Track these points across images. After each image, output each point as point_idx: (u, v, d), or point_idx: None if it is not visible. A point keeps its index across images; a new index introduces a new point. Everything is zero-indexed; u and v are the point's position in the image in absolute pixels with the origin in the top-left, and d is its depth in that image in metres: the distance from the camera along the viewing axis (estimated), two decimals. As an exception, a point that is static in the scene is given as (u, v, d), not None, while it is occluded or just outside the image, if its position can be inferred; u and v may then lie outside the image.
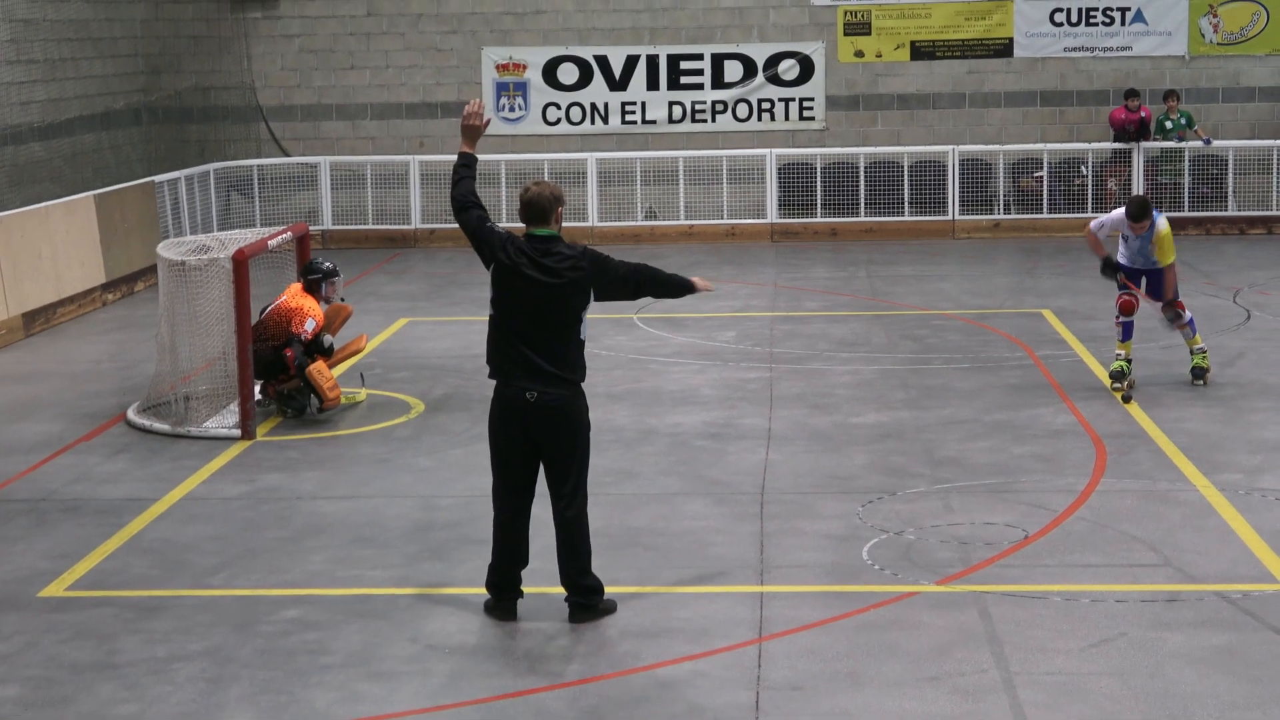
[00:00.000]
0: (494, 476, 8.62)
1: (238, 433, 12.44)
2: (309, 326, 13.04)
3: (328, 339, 13.28)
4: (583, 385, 8.37)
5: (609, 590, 8.79)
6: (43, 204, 18.40)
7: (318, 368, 12.90)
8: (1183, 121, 23.26)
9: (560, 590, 8.93)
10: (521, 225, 8.42)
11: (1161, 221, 13.53)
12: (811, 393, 13.67)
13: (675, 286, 8.65)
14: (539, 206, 8.28)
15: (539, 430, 8.30)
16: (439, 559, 9.60)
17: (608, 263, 8.35)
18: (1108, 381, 13.56)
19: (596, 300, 8.24)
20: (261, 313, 13.27)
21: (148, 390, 13.55)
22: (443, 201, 23.87)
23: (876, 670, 7.74)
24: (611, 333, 16.49)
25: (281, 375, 13.11)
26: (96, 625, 8.55)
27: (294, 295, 13.26)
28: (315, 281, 13.40)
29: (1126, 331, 13.66)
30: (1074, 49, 24.31)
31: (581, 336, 8.32)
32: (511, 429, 8.37)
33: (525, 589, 8.93)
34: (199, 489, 11.16)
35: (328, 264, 13.55)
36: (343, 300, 13.86)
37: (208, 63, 24.61)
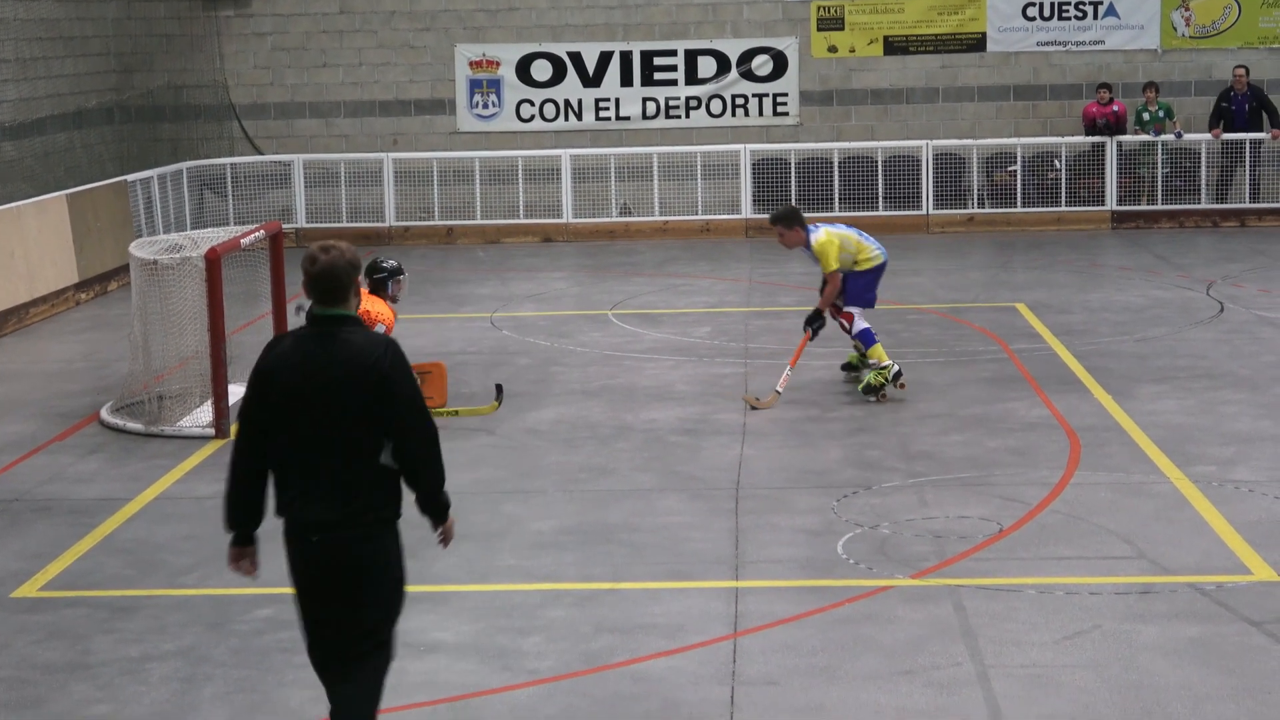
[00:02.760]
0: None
1: (211, 432, 12.41)
2: (379, 330, 12.69)
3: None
4: (396, 524, 6.41)
5: (586, 586, 8.78)
6: (14, 204, 18.31)
7: None
8: (1160, 114, 23.31)
9: (535, 587, 8.93)
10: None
11: (818, 234, 13.16)
12: (786, 387, 13.67)
13: (433, 493, 6.45)
14: (332, 278, 6.16)
15: (323, 583, 6.32)
16: (412, 556, 9.46)
17: (409, 384, 6.22)
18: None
19: (382, 417, 6.21)
20: None
21: (121, 390, 13.50)
22: (417, 199, 23.86)
23: (851, 664, 7.74)
24: (586, 329, 16.49)
25: None
26: (70, 625, 8.52)
27: (367, 302, 12.94)
28: (381, 281, 12.84)
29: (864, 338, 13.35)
30: (1047, 43, 24.36)
31: (385, 460, 6.22)
32: (299, 578, 6.39)
33: (497, 586, 8.94)
34: (173, 488, 11.13)
35: (392, 261, 13.06)
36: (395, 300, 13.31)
37: (180, 61, 24.53)
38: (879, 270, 13.52)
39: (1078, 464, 11.11)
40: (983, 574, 8.94)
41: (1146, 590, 8.66)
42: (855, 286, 13.38)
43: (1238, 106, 23.16)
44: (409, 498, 6.38)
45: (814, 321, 13.33)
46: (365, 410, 6.12)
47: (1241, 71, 23.21)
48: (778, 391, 13.02)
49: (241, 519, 6.39)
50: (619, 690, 7.53)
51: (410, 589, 8.92)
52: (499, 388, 12.92)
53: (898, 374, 13.21)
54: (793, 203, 21.91)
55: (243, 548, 6.46)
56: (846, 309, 13.37)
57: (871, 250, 13.44)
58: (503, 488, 10.98)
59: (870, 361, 13.27)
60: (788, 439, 12.03)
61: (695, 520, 10.09)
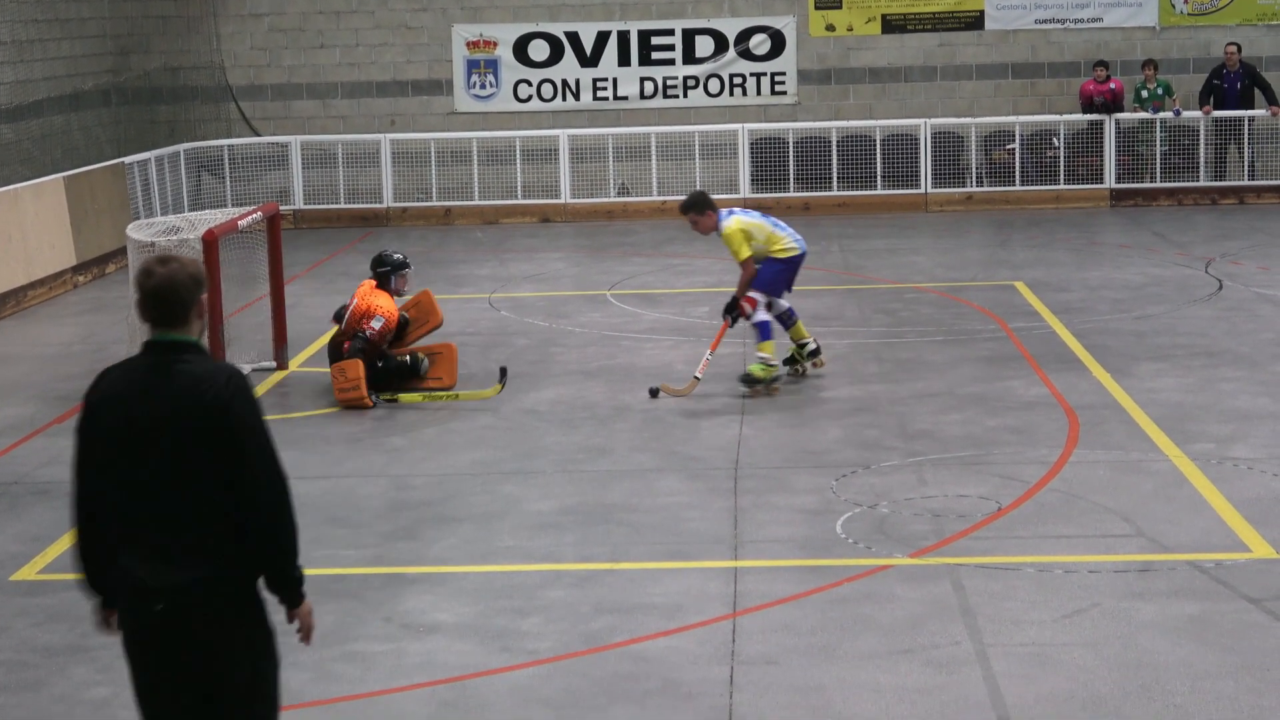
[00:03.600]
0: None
1: (210, 414, 12.38)
2: (376, 325, 12.82)
3: (425, 364, 13.09)
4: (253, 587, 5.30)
5: (586, 566, 8.79)
6: (12, 186, 18.30)
7: (340, 367, 12.67)
8: (1159, 91, 23.29)
9: (534, 567, 8.95)
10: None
11: (727, 222, 12.95)
12: (784, 367, 13.66)
13: (278, 565, 5.28)
14: (171, 297, 5.16)
15: (165, 677, 5.25)
16: (412, 538, 9.59)
17: (254, 423, 5.17)
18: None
19: (222, 460, 5.16)
20: (342, 319, 13.13)
21: (119, 372, 13.48)
22: (414, 180, 23.84)
23: (850, 644, 7.75)
24: (584, 309, 16.49)
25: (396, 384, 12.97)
26: (69, 608, 8.52)
27: (365, 294, 13.01)
28: (385, 274, 13.11)
29: (783, 322, 13.25)
30: (1045, 21, 24.32)
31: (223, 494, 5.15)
32: (136, 667, 5.34)
33: (496, 567, 8.96)
34: (172, 471, 11.11)
35: (397, 255, 13.29)
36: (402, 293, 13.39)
37: (176, 43, 24.49)
38: (795, 262, 13.13)
39: (1076, 442, 11.11)
40: (981, 553, 8.95)
41: (1145, 568, 8.67)
42: (766, 273, 13.02)
43: (1229, 84, 23.13)
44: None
45: (731, 310, 13.06)
46: (208, 453, 5.09)
47: (1233, 49, 23.18)
48: (696, 378, 12.88)
49: (100, 581, 5.35)
50: (618, 670, 7.54)
51: (408, 570, 9.04)
52: (503, 371, 12.92)
53: (777, 378, 12.89)
54: (699, 187, 21.27)
55: (112, 609, 5.40)
56: (750, 294, 12.99)
57: (787, 240, 13.05)
58: (502, 468, 10.98)
59: (760, 355, 12.90)
60: (786, 419, 12.03)
61: (694, 500, 10.10)
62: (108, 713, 7.28)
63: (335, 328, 13.29)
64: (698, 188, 15.39)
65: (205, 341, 5.28)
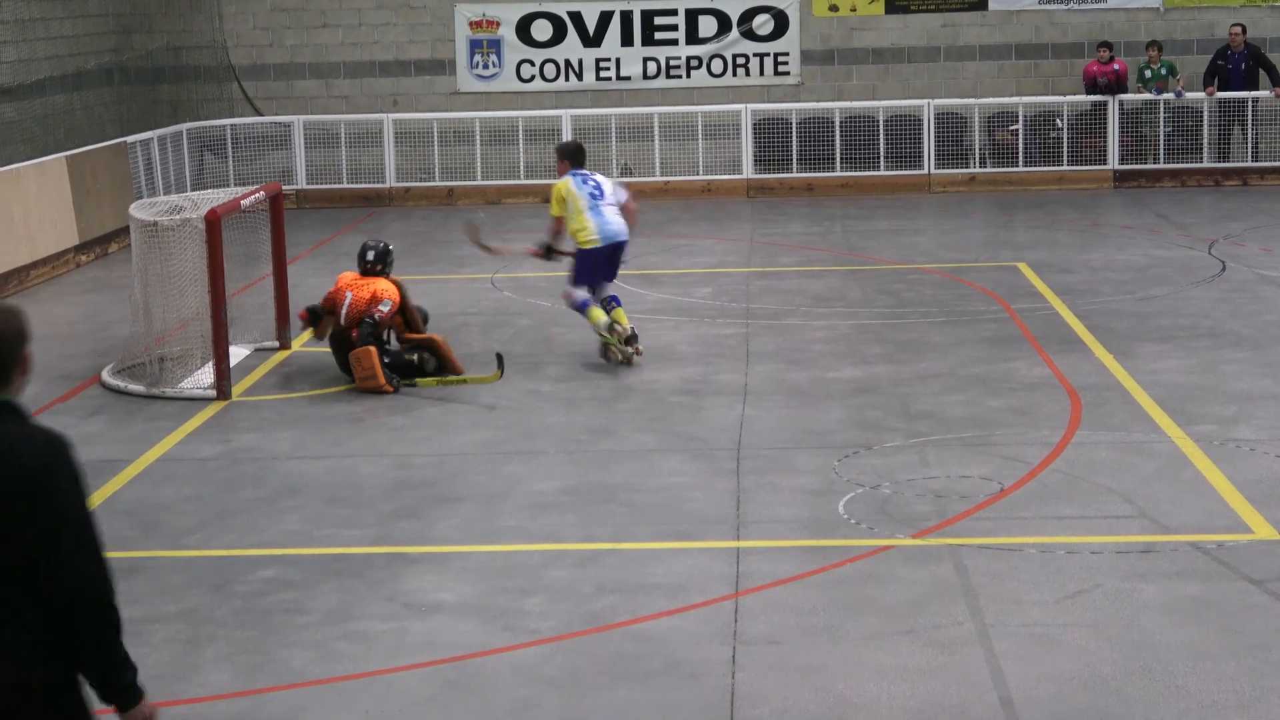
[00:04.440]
0: None
1: (213, 393, 12.41)
2: (384, 308, 12.77)
3: (431, 364, 12.97)
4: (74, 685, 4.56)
5: (588, 546, 8.79)
6: (14, 165, 18.29)
7: (356, 356, 12.59)
8: (1163, 72, 23.23)
9: (537, 547, 8.95)
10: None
11: (562, 179, 13.45)
12: (788, 348, 13.67)
13: (96, 665, 4.51)
14: None
15: None
16: (414, 518, 9.60)
17: (71, 500, 4.42)
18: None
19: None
20: (317, 316, 13.15)
21: (122, 352, 13.50)
22: (417, 160, 23.81)
23: (852, 624, 7.76)
24: (587, 290, 16.46)
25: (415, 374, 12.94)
26: (72, 587, 8.52)
27: (360, 283, 12.94)
28: (383, 271, 13.13)
29: (605, 308, 13.42)
30: (1049, 1, 24.26)
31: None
32: None
33: (498, 547, 8.97)
34: (175, 450, 11.14)
35: (378, 244, 13.25)
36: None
37: (179, 22, 24.45)
38: (598, 254, 13.27)
39: (1079, 423, 11.11)
40: (984, 533, 8.95)
41: (1147, 549, 8.67)
42: (579, 265, 13.43)
43: (1234, 65, 23.08)
44: None
45: (549, 253, 13.75)
46: (20, 530, 4.36)
47: (1238, 30, 23.13)
48: (511, 249, 13.13)
49: None
50: (621, 650, 7.54)
51: (410, 549, 9.06)
52: (499, 357, 12.87)
53: (614, 327, 13.25)
54: (574, 142, 21.00)
55: None
56: (570, 290, 13.49)
57: (590, 231, 13.22)
58: (504, 448, 10.99)
59: (592, 326, 13.31)
60: (789, 399, 12.03)
61: (696, 481, 10.10)
62: (111, 691, 7.28)
63: (309, 327, 13.28)
64: (575, 140, 15.60)
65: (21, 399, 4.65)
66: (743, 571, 8.48)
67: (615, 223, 13.34)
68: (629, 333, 13.31)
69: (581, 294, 13.34)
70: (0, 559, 4.36)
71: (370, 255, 13.16)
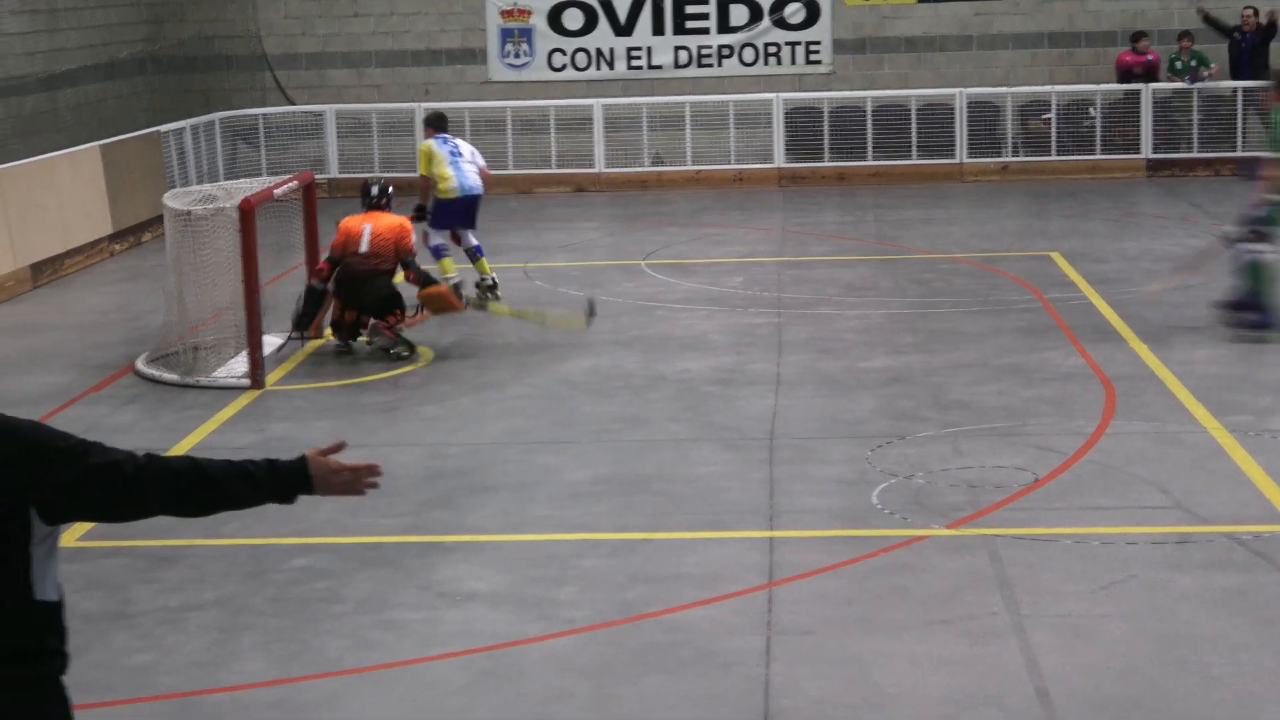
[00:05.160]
0: None
1: (247, 382, 12.45)
2: (413, 239, 13.50)
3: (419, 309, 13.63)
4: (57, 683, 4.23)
5: (621, 536, 8.80)
6: (48, 155, 18.37)
7: (428, 294, 13.30)
8: (1193, 63, 23.11)
9: (570, 537, 8.96)
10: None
11: (426, 141, 15.52)
12: (820, 338, 13.66)
13: (248, 487, 4.21)
14: None
15: None
16: (448, 507, 9.61)
17: (66, 453, 4.00)
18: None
19: (52, 519, 4.02)
20: (345, 247, 13.29)
21: (156, 341, 13.55)
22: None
23: (886, 614, 7.75)
24: (618, 279, 16.48)
25: (396, 311, 13.17)
26: (109, 575, 8.57)
27: (379, 217, 13.43)
28: (387, 205, 13.72)
29: (470, 257, 15.51)
30: (1082, -11, 24.15)
31: (39, 596, 4.06)
32: None
33: (531, 536, 8.98)
34: (209, 439, 11.18)
35: (380, 179, 14.10)
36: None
37: (211, 11, 24.52)
38: (458, 203, 15.22)
39: (1113, 413, 11.07)
40: (1018, 524, 8.93)
41: (1183, 540, 8.64)
42: (437, 213, 15.34)
43: (1246, 46, 22.95)
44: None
45: (420, 212, 15.38)
46: None
47: (1249, 12, 23.01)
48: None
49: None
50: (654, 639, 7.55)
51: (444, 539, 9.07)
52: (591, 304, 13.38)
53: (458, 284, 14.51)
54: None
55: None
56: (430, 233, 15.33)
57: (450, 181, 15.15)
58: (536, 438, 11.00)
59: (444, 276, 14.70)
60: (821, 389, 12.01)
61: (729, 470, 10.09)
62: (147, 679, 7.32)
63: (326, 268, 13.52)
64: (438, 111, 16.90)
65: None
66: (776, 561, 8.48)
67: (472, 178, 15.37)
68: (490, 280, 15.34)
69: (438, 239, 15.33)
70: None
71: (374, 190, 13.76)
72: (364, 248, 13.10)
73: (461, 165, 15.32)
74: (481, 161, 15.71)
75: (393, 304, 13.20)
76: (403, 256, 13.21)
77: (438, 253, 15.29)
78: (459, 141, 15.71)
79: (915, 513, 9.17)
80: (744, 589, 8.11)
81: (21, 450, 3.96)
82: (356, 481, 4.26)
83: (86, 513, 4.06)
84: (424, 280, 13.30)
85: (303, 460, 4.21)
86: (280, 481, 4.21)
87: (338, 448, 4.26)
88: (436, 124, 15.80)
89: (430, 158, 15.35)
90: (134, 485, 4.05)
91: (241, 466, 4.17)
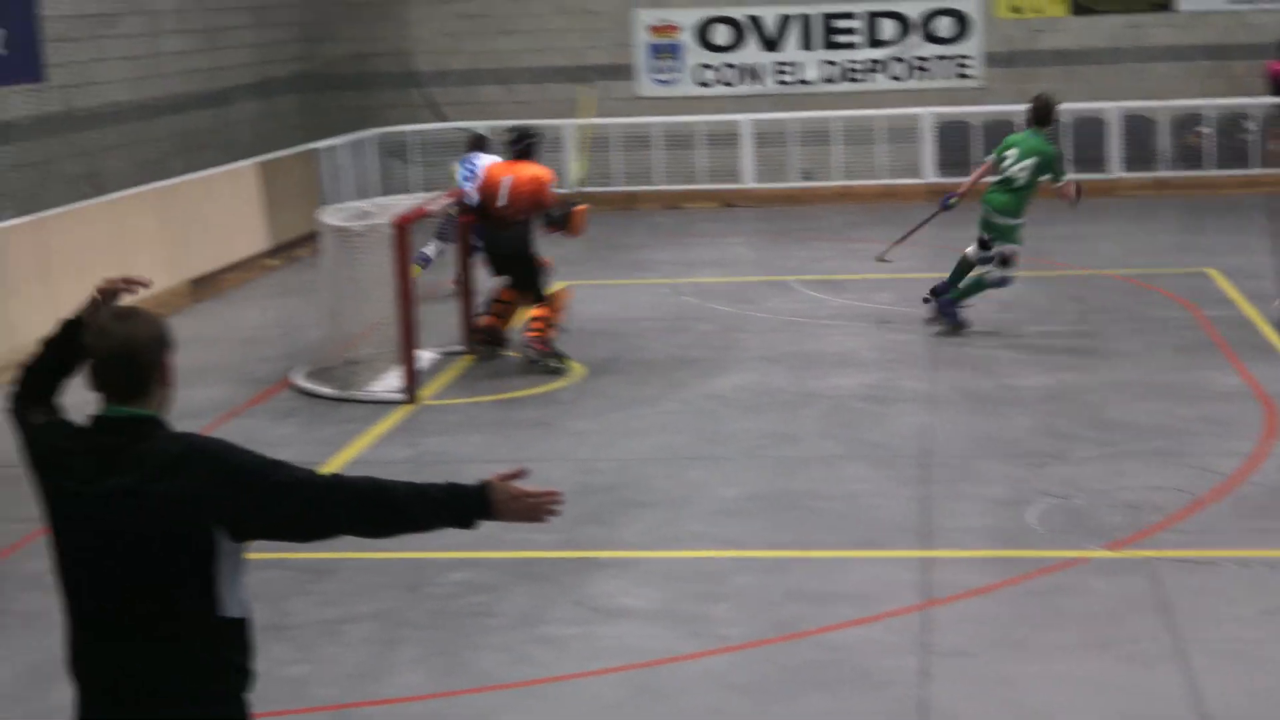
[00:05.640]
0: None
1: (401, 396, 12.59)
2: (552, 190, 13.64)
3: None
4: None
5: (774, 554, 8.78)
6: (207, 171, 18.72)
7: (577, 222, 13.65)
8: (1351, 74, 22.64)
9: (723, 554, 8.96)
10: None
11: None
12: (972, 355, 13.54)
13: (428, 511, 4.22)
14: (126, 360, 4.09)
15: None
16: (600, 522, 9.65)
17: (254, 472, 4.10)
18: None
19: (240, 537, 4.10)
20: (493, 196, 13.56)
21: (312, 355, 13.75)
22: (597, 164, 23.93)
23: (1044, 637, 7.65)
24: (768, 295, 16.45)
25: (540, 319, 13.41)
26: (268, 587, 8.69)
27: (520, 166, 13.66)
28: (529, 148, 13.83)
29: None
30: (1240, 1, 23.73)
31: (224, 612, 4.11)
32: None
33: (684, 553, 8.98)
34: (365, 453, 11.32)
35: (521, 125, 14.32)
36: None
37: (365, 29, 24.84)
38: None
39: (1274, 433, 10.85)
40: (1179, 546, 8.78)
41: (1350, 564, 8.44)
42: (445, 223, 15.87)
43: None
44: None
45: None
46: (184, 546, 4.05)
47: None
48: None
49: None
50: (810, 658, 7.52)
51: (597, 554, 9.10)
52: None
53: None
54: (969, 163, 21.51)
55: None
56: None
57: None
58: (687, 453, 11.01)
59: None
60: (974, 407, 11.90)
61: (882, 488, 10.04)
62: (305, 690, 7.42)
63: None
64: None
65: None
66: (931, 581, 8.41)
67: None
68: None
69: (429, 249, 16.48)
70: (164, 573, 4.01)
71: (514, 136, 13.95)
72: (501, 200, 13.33)
73: (470, 186, 15.29)
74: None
75: (521, 267, 13.35)
76: (542, 210, 13.43)
77: (422, 260, 16.14)
78: (484, 159, 15.78)
79: (1072, 533, 9.05)
80: (899, 608, 8.06)
81: (210, 468, 4.05)
82: (537, 508, 4.28)
83: (272, 531, 4.14)
84: (563, 221, 13.53)
85: (484, 485, 4.24)
86: (461, 506, 4.23)
87: (519, 474, 4.30)
88: (474, 145, 16.79)
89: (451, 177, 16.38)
90: (318, 505, 4.15)
91: (423, 490, 4.21)
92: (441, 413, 12.36)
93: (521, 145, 13.86)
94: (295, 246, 20.03)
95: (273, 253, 19.50)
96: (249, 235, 19.02)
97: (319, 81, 24.03)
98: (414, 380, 12.62)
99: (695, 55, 24.59)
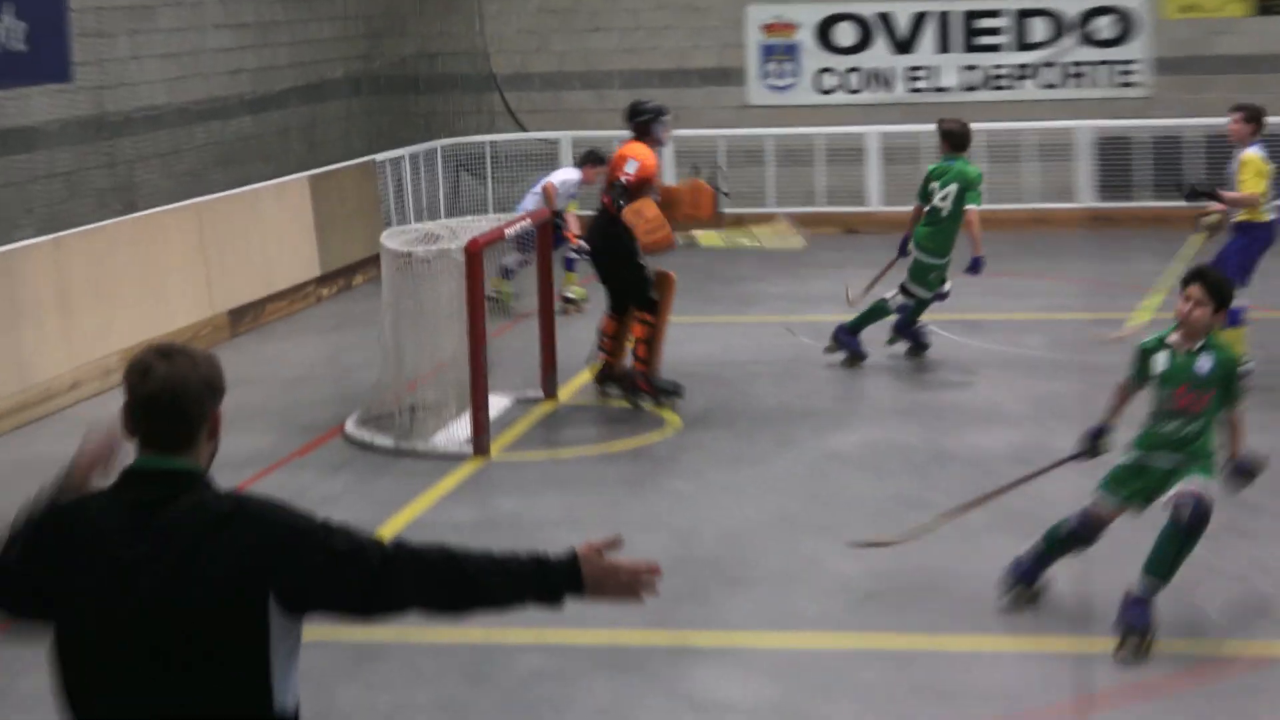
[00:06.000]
0: None
1: (470, 449, 12.54)
2: (630, 169, 13.65)
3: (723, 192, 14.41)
4: None
5: (902, 643, 8.62)
6: (252, 186, 18.82)
7: (635, 208, 13.46)
8: None
9: (842, 643, 8.80)
10: None
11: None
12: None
13: (508, 585, 4.16)
14: (169, 405, 4.09)
15: None
16: (699, 601, 9.54)
17: (311, 536, 4.06)
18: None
19: (295, 611, 4.03)
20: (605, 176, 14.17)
21: (368, 399, 13.73)
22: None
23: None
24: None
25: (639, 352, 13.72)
26: (313, 670, 8.51)
27: (635, 147, 13.94)
28: (645, 124, 13.97)
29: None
30: None
31: (279, 708, 4.05)
32: None
33: (797, 640, 8.84)
34: (427, 514, 11.28)
35: (653, 101, 14.35)
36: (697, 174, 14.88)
37: (435, 25, 24.98)
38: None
39: None
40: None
41: None
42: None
43: None
44: None
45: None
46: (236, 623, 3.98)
47: None
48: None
49: None
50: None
51: (695, 638, 8.97)
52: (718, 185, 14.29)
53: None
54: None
55: None
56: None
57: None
58: (801, 522, 10.91)
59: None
60: (1141, 471, 11.68)
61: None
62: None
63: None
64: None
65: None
66: (1087, 678, 8.22)
67: (526, 202, 17.91)
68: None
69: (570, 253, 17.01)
70: (209, 645, 3.95)
71: (628, 112, 14.25)
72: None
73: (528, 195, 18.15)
74: (555, 180, 18.23)
75: (626, 271, 13.50)
76: (614, 181, 13.79)
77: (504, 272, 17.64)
78: (557, 173, 18.79)
79: (1260, 624, 8.82)
80: (1048, 708, 7.89)
81: (261, 531, 4.00)
82: (634, 584, 4.19)
83: (329, 604, 4.07)
84: (616, 206, 13.62)
85: (573, 557, 4.16)
86: (547, 581, 4.15)
87: (613, 543, 4.21)
88: (587, 159, 18.43)
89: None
90: (381, 576, 4.08)
91: (502, 560, 4.16)
92: (516, 469, 12.31)
93: (638, 121, 14.07)
94: (351, 273, 20.10)
95: (325, 280, 19.57)
96: (298, 260, 19.09)
97: (381, 84, 24.16)
98: (485, 430, 12.56)
99: (815, 58, 24.53)
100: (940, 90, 24.32)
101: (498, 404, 13.51)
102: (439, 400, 13.27)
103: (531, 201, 17.80)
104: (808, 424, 13.09)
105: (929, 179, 15.23)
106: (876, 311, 15.22)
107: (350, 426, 13.33)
